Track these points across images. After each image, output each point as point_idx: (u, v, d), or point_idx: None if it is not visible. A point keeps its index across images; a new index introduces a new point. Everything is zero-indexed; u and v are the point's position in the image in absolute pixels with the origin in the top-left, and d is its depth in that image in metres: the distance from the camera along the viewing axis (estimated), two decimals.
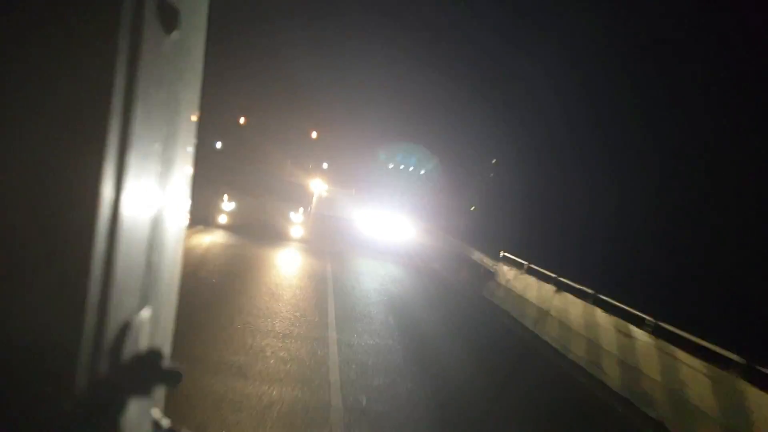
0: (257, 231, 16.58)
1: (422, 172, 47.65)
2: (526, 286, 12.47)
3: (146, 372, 0.82)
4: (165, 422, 0.93)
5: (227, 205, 16.87)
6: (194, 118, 1.00)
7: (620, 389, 7.84)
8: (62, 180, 0.64)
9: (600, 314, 9.19)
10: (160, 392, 0.95)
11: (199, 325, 6.70)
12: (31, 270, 0.64)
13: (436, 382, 6.70)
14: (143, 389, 0.82)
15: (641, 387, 7.53)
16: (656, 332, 7.72)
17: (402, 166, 48.36)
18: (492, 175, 38.62)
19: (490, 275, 15.23)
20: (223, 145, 32.22)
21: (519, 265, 13.44)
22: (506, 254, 14.62)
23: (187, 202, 1.03)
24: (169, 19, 0.77)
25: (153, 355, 0.84)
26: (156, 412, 0.93)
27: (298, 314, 8.40)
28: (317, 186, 23.56)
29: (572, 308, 10.12)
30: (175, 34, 0.80)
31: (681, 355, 7.08)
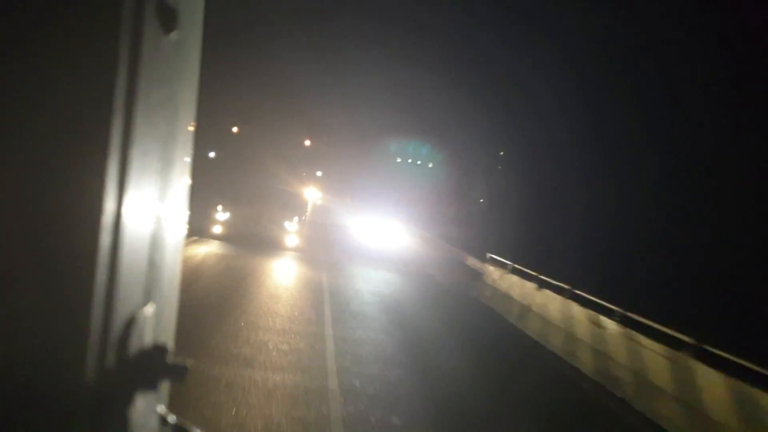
0: (252, 241, 16.62)
1: (430, 165, 48.75)
2: (511, 284, 13.25)
3: (152, 367, 0.83)
4: (171, 418, 0.94)
5: (221, 215, 16.87)
6: (191, 128, 1.03)
7: (592, 374, 8.59)
8: (68, 181, 0.65)
9: (575, 308, 9.96)
10: (165, 388, 0.96)
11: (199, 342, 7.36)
12: (40, 267, 0.65)
13: (423, 370, 7.43)
14: (149, 384, 0.84)
15: (610, 370, 8.28)
16: (623, 321, 8.49)
17: (410, 160, 49.60)
18: (500, 167, 39.17)
19: (478, 276, 16.00)
20: (216, 154, 32.43)
21: (503, 266, 14.22)
22: (492, 255, 15.39)
23: (187, 200, 1.06)
24: (168, 20, 0.79)
25: (158, 351, 0.85)
26: (162, 408, 0.94)
27: (294, 334, 7.95)
28: (312, 194, 23.71)
29: (551, 303, 10.90)
30: (173, 35, 0.82)
31: (643, 340, 7.84)
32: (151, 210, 0.84)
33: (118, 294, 0.71)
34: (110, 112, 0.66)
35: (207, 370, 5.82)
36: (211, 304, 8.71)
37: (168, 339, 0.97)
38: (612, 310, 8.86)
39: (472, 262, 17.72)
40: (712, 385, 6.40)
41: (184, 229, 1.11)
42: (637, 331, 8.13)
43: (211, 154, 31.88)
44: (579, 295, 10.14)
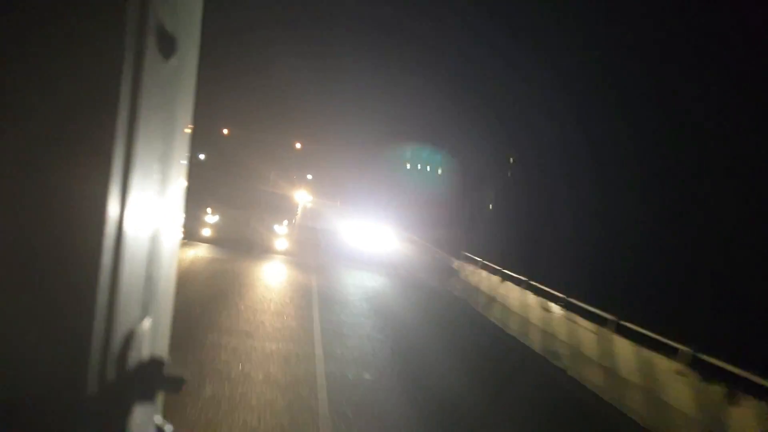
0: (241, 244, 16.35)
1: (439, 172, 48.58)
2: (480, 279, 14.79)
3: (150, 379, 0.87)
4: (168, 428, 0.99)
5: (210, 217, 16.72)
6: (187, 130, 1.06)
7: (541, 351, 10.11)
8: (72, 198, 0.67)
9: (530, 296, 11.50)
10: (160, 399, 1.00)
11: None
12: (44, 282, 0.67)
13: (393, 345, 8.91)
14: (147, 396, 0.87)
15: (554, 347, 9.81)
16: (567, 306, 10.02)
17: (419, 166, 49.65)
18: (510, 174, 39.63)
19: (454, 273, 17.53)
20: (206, 157, 32.83)
21: (475, 262, 15.76)
22: (466, 253, 16.92)
23: (181, 217, 1.09)
24: (167, 47, 0.83)
25: (155, 363, 0.88)
26: (158, 419, 0.98)
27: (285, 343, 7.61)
28: (302, 197, 24.17)
29: (511, 293, 12.44)
30: (173, 60, 0.86)
31: (580, 321, 9.38)
32: (150, 227, 0.87)
33: (118, 310, 0.73)
34: (114, 130, 0.67)
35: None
36: (194, 316, 8.03)
37: (164, 351, 1.01)
38: (558, 297, 10.40)
39: (458, 263, 18.98)
40: (623, 351, 7.94)
41: (179, 239, 1.14)
42: (577, 313, 9.67)
43: (201, 156, 32.12)
44: (533, 285, 11.68)
